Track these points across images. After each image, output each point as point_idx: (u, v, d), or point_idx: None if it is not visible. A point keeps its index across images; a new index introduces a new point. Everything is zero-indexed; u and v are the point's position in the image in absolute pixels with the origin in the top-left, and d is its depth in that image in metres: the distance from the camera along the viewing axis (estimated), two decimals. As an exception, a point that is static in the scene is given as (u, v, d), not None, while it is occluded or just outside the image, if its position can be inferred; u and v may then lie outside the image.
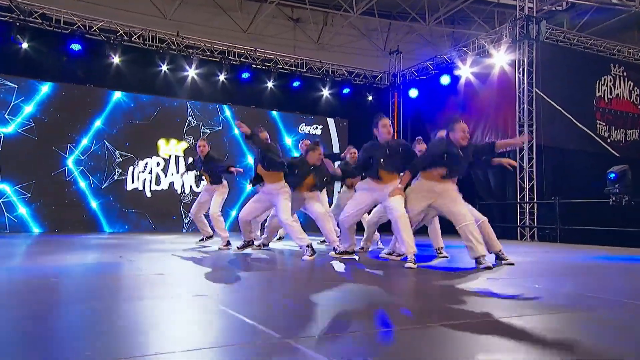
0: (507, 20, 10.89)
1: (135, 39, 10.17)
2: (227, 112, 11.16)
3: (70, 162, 9.27)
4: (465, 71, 11.03)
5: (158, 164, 10.05)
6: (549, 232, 9.07)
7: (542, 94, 9.90)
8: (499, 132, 10.33)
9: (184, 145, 10.38)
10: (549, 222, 9.17)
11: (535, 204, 9.64)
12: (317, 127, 12.06)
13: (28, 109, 8.98)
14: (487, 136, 10.57)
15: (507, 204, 10.19)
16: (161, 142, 10.14)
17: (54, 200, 9.10)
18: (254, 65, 11.47)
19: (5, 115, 8.79)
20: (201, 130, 10.61)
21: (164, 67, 10.37)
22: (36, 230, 8.95)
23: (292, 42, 14.34)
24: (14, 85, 8.89)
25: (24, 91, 8.98)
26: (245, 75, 11.18)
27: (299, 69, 12.06)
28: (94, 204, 9.43)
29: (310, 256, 4.72)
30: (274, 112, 11.64)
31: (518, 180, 9.79)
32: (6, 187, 8.75)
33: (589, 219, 8.49)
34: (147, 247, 6.21)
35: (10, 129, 8.86)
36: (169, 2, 12.08)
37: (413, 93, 12.54)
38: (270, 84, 11.61)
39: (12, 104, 8.84)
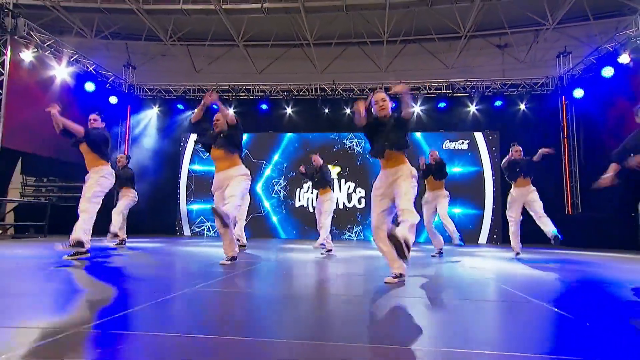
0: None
1: (302, 92, 11.98)
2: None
3: (259, 187, 11.61)
4: (624, 58, 8.29)
5: (318, 186, 11.35)
6: None
7: None
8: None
9: (337, 169, 11.38)
10: None
11: None
12: (462, 142, 11.06)
13: (235, 152, 11.84)
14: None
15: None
16: (320, 168, 11.42)
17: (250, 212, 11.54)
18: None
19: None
20: (354, 155, 11.42)
21: (326, 110, 11.78)
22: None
23: (499, 67, 13.68)
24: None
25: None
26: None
27: (443, 91, 11.51)
28: (274, 218, 11.46)
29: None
30: (417, 134, 11.37)
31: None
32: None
33: None
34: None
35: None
36: (385, 58, 13.57)
37: (578, 93, 10.08)
38: (417, 108, 11.48)
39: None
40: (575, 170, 10.64)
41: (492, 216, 10.67)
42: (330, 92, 11.87)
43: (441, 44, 13.47)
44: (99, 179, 4.49)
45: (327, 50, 13.78)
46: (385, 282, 3.17)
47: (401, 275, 3.26)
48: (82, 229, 4.16)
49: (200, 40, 13.76)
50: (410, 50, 13.80)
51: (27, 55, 8.56)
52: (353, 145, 11.64)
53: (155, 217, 11.59)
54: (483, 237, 10.69)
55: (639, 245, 7.18)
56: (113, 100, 11.56)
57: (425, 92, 11.54)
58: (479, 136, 11.05)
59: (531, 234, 6.55)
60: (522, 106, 11.10)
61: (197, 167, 12.01)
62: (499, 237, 10.54)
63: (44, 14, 12.22)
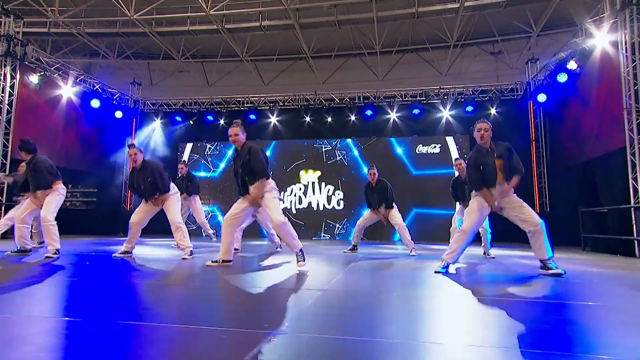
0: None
1: (287, 102, 12.62)
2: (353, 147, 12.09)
3: (247, 190, 12.29)
4: (572, 64, 8.50)
5: (300, 189, 11.90)
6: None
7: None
8: (603, 124, 7.53)
9: (318, 173, 11.92)
10: None
11: None
12: (434, 146, 11.39)
13: (222, 164, 12.61)
14: (596, 128, 7.83)
15: (619, 210, 7.13)
16: (302, 173, 11.98)
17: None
18: (377, 104, 12.09)
19: (209, 166, 12.60)
20: (333, 160, 11.93)
21: (307, 119, 12.36)
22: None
23: (494, 73, 14.00)
24: (216, 147, 12.67)
25: (222, 150, 12.65)
26: (369, 112, 11.93)
27: (418, 99, 11.89)
28: (260, 218, 12.11)
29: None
30: (392, 139, 11.78)
31: (630, 179, 6.84)
32: (216, 209, 12.41)
33: None
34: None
35: (214, 174, 12.62)
36: (383, 67, 14.18)
37: (541, 98, 10.27)
38: (393, 115, 11.89)
39: (213, 159, 12.61)
40: (544, 172, 10.78)
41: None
42: (312, 102, 12.45)
43: (437, 52, 13.84)
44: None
45: (328, 61, 14.44)
46: (207, 265, 4.14)
47: (224, 261, 4.20)
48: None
49: (212, 57, 14.71)
50: (409, 59, 14.26)
51: (35, 78, 9.59)
52: (333, 151, 12.16)
53: (158, 218, 12.46)
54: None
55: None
56: (118, 114, 12.54)
57: (401, 99, 11.94)
58: (450, 140, 11.35)
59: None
60: (493, 110, 11.33)
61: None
62: (469, 236, 10.78)
63: (75, 39, 13.47)
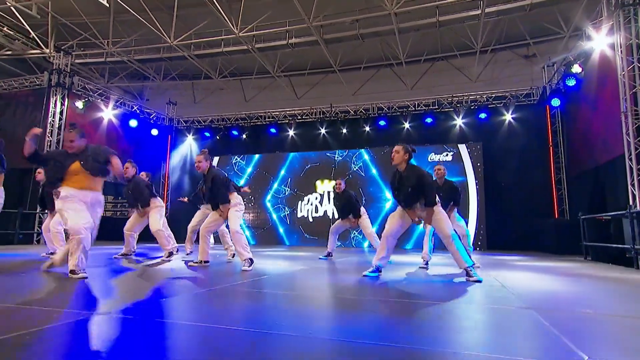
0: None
1: (304, 116, 13.17)
2: (365, 155, 12.32)
3: (267, 200, 12.93)
4: (576, 68, 8.21)
5: (316, 198, 12.32)
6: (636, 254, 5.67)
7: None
8: (609, 128, 7.21)
9: (333, 182, 12.22)
10: None
11: None
12: (447, 154, 11.30)
13: (249, 169, 13.34)
14: (602, 132, 7.50)
15: (619, 218, 6.75)
16: (317, 182, 12.40)
17: (260, 223, 12.86)
18: (390, 114, 12.25)
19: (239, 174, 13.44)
20: (349, 170, 12.25)
21: (322, 130, 12.81)
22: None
23: (529, 77, 13.78)
24: (241, 158, 13.48)
25: (246, 161, 13.42)
26: (382, 122, 12.13)
27: (430, 107, 11.90)
28: (281, 229, 12.68)
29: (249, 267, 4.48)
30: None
31: (629, 185, 6.52)
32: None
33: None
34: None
35: (242, 181, 13.39)
36: (413, 76, 14.39)
37: (555, 102, 9.93)
38: (406, 125, 11.99)
39: (238, 168, 13.42)
40: (563, 178, 10.31)
41: (476, 224, 10.72)
42: (328, 115, 12.89)
43: (467, 59, 13.68)
44: None
45: (358, 73, 14.85)
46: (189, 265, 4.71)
47: (204, 261, 4.77)
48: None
49: (249, 75, 15.73)
50: (441, 67, 14.24)
51: (80, 104, 10.98)
52: (348, 161, 12.48)
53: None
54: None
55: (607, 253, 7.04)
56: (154, 132, 13.81)
57: (413, 109, 12.02)
58: (462, 148, 11.22)
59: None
60: (508, 116, 11.05)
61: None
62: (484, 244, 10.55)
63: (128, 66, 15.14)
